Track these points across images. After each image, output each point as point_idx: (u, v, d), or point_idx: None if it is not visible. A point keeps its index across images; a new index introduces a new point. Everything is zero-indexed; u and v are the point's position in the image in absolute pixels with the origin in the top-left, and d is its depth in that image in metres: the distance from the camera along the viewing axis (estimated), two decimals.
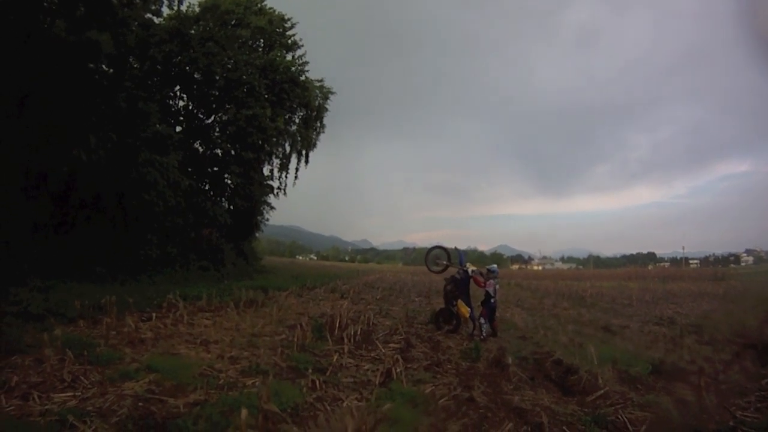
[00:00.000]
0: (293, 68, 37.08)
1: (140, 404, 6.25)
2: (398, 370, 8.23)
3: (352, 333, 11.56)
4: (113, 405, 6.13)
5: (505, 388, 8.12)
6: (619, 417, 6.74)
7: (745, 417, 6.71)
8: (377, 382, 7.82)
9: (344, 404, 6.76)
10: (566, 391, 8.19)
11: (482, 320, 13.22)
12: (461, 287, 13.82)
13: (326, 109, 41.24)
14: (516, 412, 6.92)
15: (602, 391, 7.78)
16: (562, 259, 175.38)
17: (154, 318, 12.11)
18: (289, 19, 38.17)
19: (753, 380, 8.74)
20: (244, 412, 4.87)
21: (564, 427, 6.41)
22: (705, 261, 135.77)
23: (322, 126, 41.69)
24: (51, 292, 14.36)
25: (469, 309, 13.57)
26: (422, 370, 9.20)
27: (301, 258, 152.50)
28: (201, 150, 33.75)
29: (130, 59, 23.32)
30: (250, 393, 6.74)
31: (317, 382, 7.47)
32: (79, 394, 6.50)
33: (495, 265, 14.56)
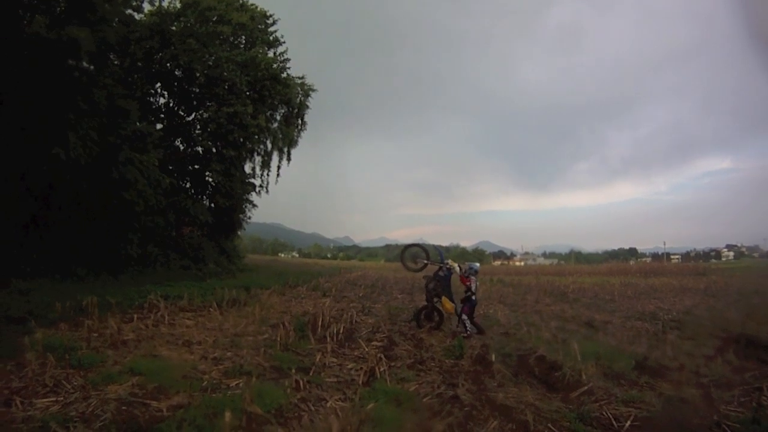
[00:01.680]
0: (275, 65, 36.90)
1: (123, 408, 6.18)
2: (381, 368, 8.24)
3: (335, 332, 11.55)
4: (96, 410, 6.06)
5: (489, 385, 8.12)
6: (604, 413, 6.78)
7: (729, 411, 6.79)
8: (361, 382, 7.81)
9: (328, 404, 6.75)
10: (550, 388, 8.23)
11: (464, 317, 13.24)
12: (444, 284, 13.83)
13: (308, 107, 41.07)
14: (500, 409, 6.91)
15: (586, 387, 7.81)
16: (544, 255, 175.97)
17: (135, 319, 12.01)
18: (270, 16, 38.14)
19: (736, 374, 8.85)
20: (227, 414, 4.87)
21: (549, 424, 6.40)
22: (686, 256, 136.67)
23: (304, 123, 41.57)
24: (32, 293, 14.18)
25: (453, 304, 13.57)
26: (406, 368, 9.18)
27: (283, 255, 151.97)
28: (182, 148, 33.49)
29: (111, 56, 23.08)
30: (234, 395, 6.70)
31: (301, 383, 7.44)
32: (62, 399, 6.42)
33: (477, 263, 14.56)
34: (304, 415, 6.29)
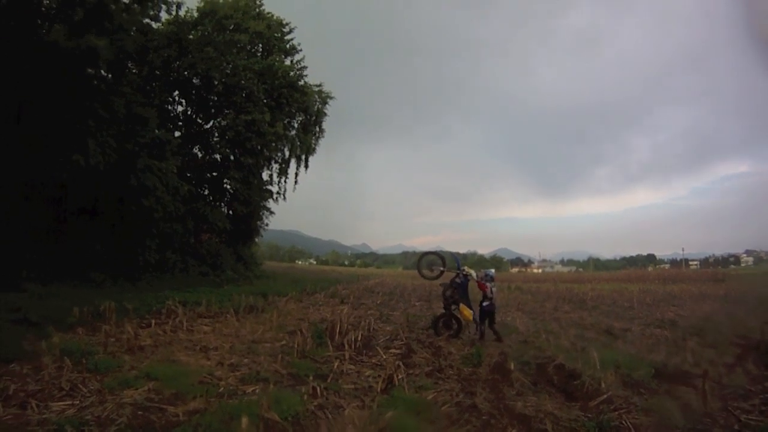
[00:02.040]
0: (292, 73, 37.08)
1: (139, 413, 6.19)
2: (400, 376, 8.16)
3: (353, 339, 11.48)
4: (112, 414, 6.07)
5: (508, 394, 8.04)
6: (623, 422, 6.67)
7: (749, 420, 6.69)
8: (379, 389, 7.73)
9: (346, 412, 6.69)
10: (569, 397, 8.11)
11: (477, 319, 13.20)
12: (461, 291, 13.72)
13: (325, 114, 41.15)
14: (519, 418, 6.83)
15: (605, 396, 7.68)
16: (562, 262, 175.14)
17: (153, 325, 12.07)
18: (287, 24, 38.34)
19: (756, 383, 8.71)
20: (244, 420, 4.83)
21: None
22: (705, 262, 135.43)
23: (321, 131, 41.63)
24: (49, 298, 14.27)
25: (471, 311, 13.44)
26: (424, 376, 9.11)
27: (300, 263, 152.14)
28: (200, 155, 33.63)
29: (129, 64, 23.27)
30: (251, 401, 6.67)
31: (318, 389, 7.41)
32: (78, 402, 6.44)
33: (492, 270, 14.46)
34: (321, 422, 6.23)
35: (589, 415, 7.03)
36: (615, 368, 9.39)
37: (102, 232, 20.30)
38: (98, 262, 19.67)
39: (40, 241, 17.92)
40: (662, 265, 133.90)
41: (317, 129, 41.20)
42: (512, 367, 9.17)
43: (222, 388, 7.34)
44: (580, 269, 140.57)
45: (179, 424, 5.86)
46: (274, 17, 37.49)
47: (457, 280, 13.80)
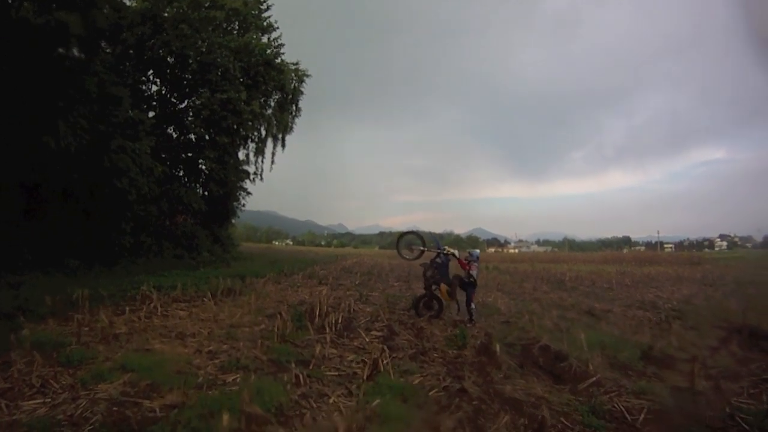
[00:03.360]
0: (269, 51, 36.55)
1: (114, 409, 5.85)
2: (384, 361, 7.94)
3: (333, 321, 11.28)
4: (86, 411, 5.73)
5: (496, 377, 7.89)
6: (616, 405, 6.63)
7: (740, 403, 6.66)
8: (365, 376, 7.51)
9: (331, 400, 6.47)
10: (557, 379, 8.01)
11: (473, 305, 13.04)
12: (442, 271, 13.57)
13: (302, 93, 40.73)
14: (510, 403, 6.70)
15: (594, 379, 7.63)
16: (538, 243, 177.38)
17: (127, 311, 11.65)
18: (264, 1, 37.63)
19: (742, 365, 8.74)
20: (225, 417, 4.57)
21: (561, 419, 6.20)
22: (680, 245, 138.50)
23: (298, 110, 41.28)
24: (22, 287, 13.77)
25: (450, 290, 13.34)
26: (408, 359, 8.92)
27: (277, 243, 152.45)
28: (175, 135, 33.09)
29: (102, 43, 22.68)
30: (231, 391, 6.40)
31: (301, 377, 7.16)
32: (49, 400, 6.08)
33: (477, 250, 14.34)
34: (306, 412, 5.97)
35: (580, 399, 6.94)
36: (601, 350, 9.33)
37: (75, 217, 19.74)
38: (72, 247, 19.17)
39: (10, 228, 17.44)
40: (637, 248, 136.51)
41: (294, 108, 40.87)
42: (498, 349, 9.01)
43: (201, 378, 7.02)
44: (556, 249, 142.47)
45: (157, 420, 5.53)
46: None
47: (438, 260, 13.64)
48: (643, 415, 6.31)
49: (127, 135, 21.36)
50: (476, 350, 9.58)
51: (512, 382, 7.66)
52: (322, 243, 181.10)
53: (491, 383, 7.54)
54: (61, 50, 18.21)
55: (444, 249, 13.86)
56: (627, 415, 6.36)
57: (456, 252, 13.82)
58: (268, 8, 37.87)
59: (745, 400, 6.83)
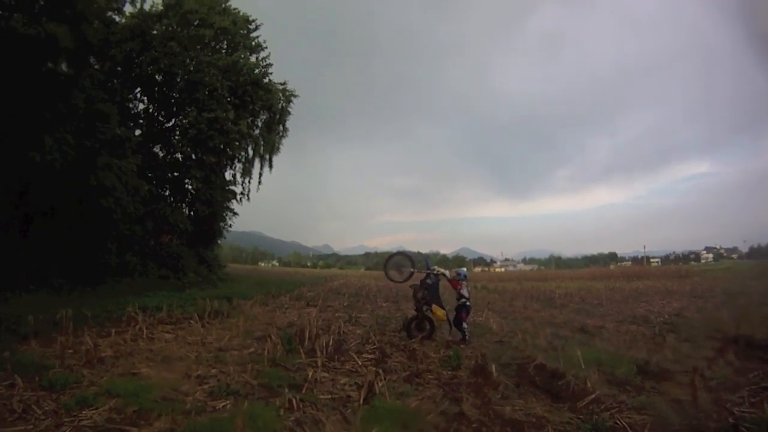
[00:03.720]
0: (257, 70, 36.42)
1: None
2: (380, 383, 7.72)
3: (324, 344, 11.04)
4: None
5: (494, 398, 7.74)
6: (618, 422, 6.50)
7: (743, 413, 6.56)
8: (361, 401, 7.25)
9: (326, 427, 6.23)
10: (555, 398, 7.89)
11: (465, 325, 12.96)
12: (432, 292, 13.38)
13: (289, 113, 40.43)
14: (511, 424, 6.56)
15: (593, 396, 7.51)
16: (524, 261, 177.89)
17: (113, 334, 11.33)
18: (253, 21, 37.59)
19: (741, 375, 8.69)
20: None
21: None
22: (666, 259, 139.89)
23: (285, 130, 40.97)
24: (4, 305, 13.40)
25: (444, 311, 13.17)
26: (402, 381, 8.75)
27: (263, 264, 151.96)
28: (161, 154, 32.77)
29: (90, 59, 22.48)
30: (222, 419, 6.14)
31: (294, 402, 6.91)
32: (31, 426, 5.80)
33: (464, 269, 14.22)
34: None
35: (581, 417, 6.83)
36: (597, 366, 9.22)
37: (60, 235, 19.38)
38: (57, 266, 18.83)
39: None
40: (624, 263, 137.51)
41: (281, 128, 40.57)
42: (494, 369, 8.89)
43: (189, 405, 6.74)
44: (542, 267, 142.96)
45: None
46: (240, 13, 36.71)
47: (428, 281, 13.44)
48: (646, 431, 6.20)
49: (113, 152, 21.15)
50: (471, 371, 9.45)
51: (511, 402, 7.53)
52: (308, 264, 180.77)
53: (489, 404, 7.38)
54: (50, 64, 18.01)
55: (434, 269, 13.69)
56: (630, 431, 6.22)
57: (447, 272, 13.68)
58: (256, 28, 37.77)
59: (747, 409, 6.76)
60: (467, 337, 12.83)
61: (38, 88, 17.38)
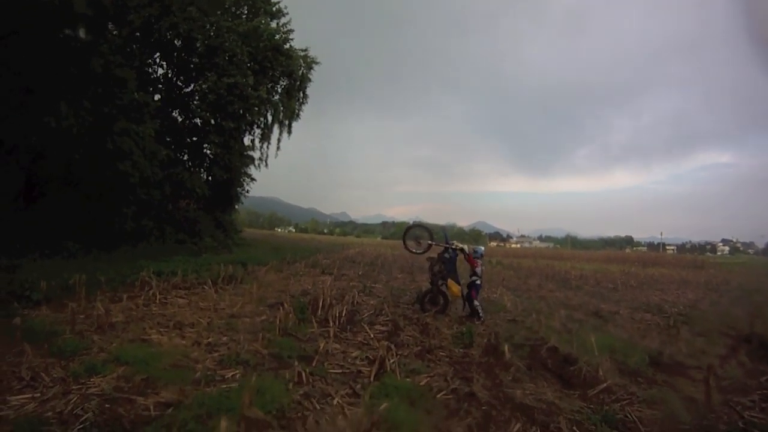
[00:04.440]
0: (277, 36, 36.00)
1: (107, 406, 5.53)
2: (391, 360, 7.68)
3: (337, 314, 11.07)
4: (76, 408, 5.40)
5: (504, 379, 7.65)
6: (628, 415, 6.39)
7: (753, 418, 6.46)
8: (371, 377, 7.21)
9: (335, 402, 6.19)
10: (566, 383, 7.77)
11: (476, 303, 12.82)
12: (450, 266, 13.29)
13: (310, 80, 40.07)
14: (521, 409, 6.46)
15: (605, 385, 7.43)
16: (540, 239, 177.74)
17: (125, 299, 11.31)
18: None
19: (752, 377, 8.55)
20: (223, 424, 4.26)
21: (574, 427, 5.97)
22: (682, 248, 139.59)
23: (305, 96, 40.67)
24: (17, 271, 13.35)
25: (459, 287, 13.11)
26: (414, 357, 8.68)
27: (279, 230, 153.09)
28: (180, 119, 32.84)
29: (108, 25, 22.31)
30: (230, 390, 6.11)
31: (303, 375, 6.87)
32: (39, 395, 5.73)
33: (482, 247, 14.07)
34: (309, 415, 5.69)
35: (592, 406, 6.70)
36: (610, 354, 9.10)
37: (76, 199, 19.45)
38: (72, 231, 18.89)
39: (9, 210, 17.15)
40: (639, 248, 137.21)
41: (301, 94, 40.28)
42: (506, 350, 8.78)
43: (198, 374, 6.71)
44: (558, 246, 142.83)
45: (150, 419, 5.23)
46: None
47: (446, 255, 13.34)
48: (656, 427, 6.10)
49: (131, 117, 21.06)
50: (483, 350, 9.36)
51: (522, 385, 7.42)
52: (325, 231, 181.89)
53: (500, 386, 7.30)
54: (68, 31, 17.88)
55: (453, 243, 13.58)
56: (640, 426, 6.13)
57: (465, 247, 13.55)
58: None
59: (758, 414, 6.64)
60: (481, 315, 12.70)
61: (55, 54, 17.26)
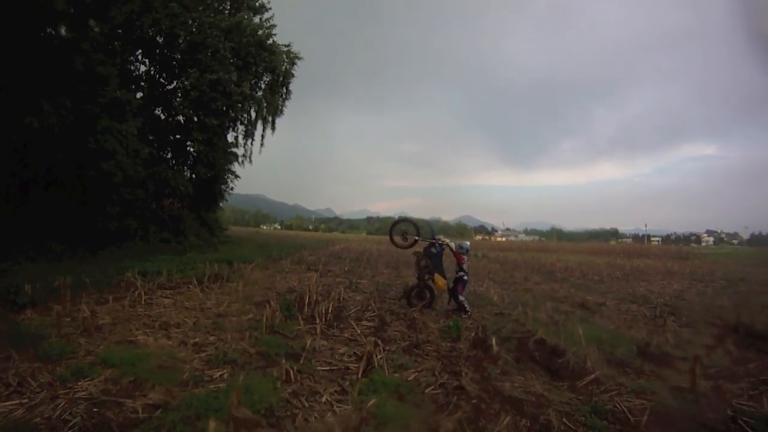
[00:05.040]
0: (260, 32, 35.94)
1: (95, 410, 5.48)
2: (378, 355, 7.70)
3: (323, 311, 11.05)
4: (65, 413, 5.34)
5: (493, 372, 7.70)
6: (617, 406, 6.45)
7: (741, 405, 6.52)
8: (359, 374, 7.21)
9: (323, 399, 6.18)
10: (554, 375, 7.84)
11: (462, 298, 12.87)
12: (436, 261, 13.31)
13: (293, 75, 39.98)
14: (510, 402, 6.50)
15: (593, 376, 7.48)
16: (525, 232, 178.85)
17: (111, 300, 11.20)
18: None
19: (740, 365, 8.64)
20: (212, 426, 4.24)
21: (564, 419, 5.98)
22: (666, 239, 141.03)
23: (288, 92, 40.56)
24: (3, 275, 13.11)
25: (445, 281, 13.15)
26: (401, 352, 8.70)
27: (265, 227, 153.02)
28: (162, 117, 32.57)
29: (90, 21, 22.13)
30: (218, 390, 6.07)
31: (291, 372, 6.86)
32: (26, 400, 5.66)
33: (467, 243, 14.11)
34: (298, 413, 5.68)
35: (581, 398, 6.77)
36: (597, 345, 9.20)
37: (59, 200, 19.24)
38: (56, 232, 18.70)
39: None
40: (625, 239, 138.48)
41: (284, 90, 40.19)
42: (494, 343, 8.83)
43: (186, 374, 6.65)
44: (543, 239, 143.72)
45: (139, 422, 5.19)
46: None
47: (433, 249, 13.37)
48: (646, 417, 6.12)
49: (113, 116, 20.83)
50: (471, 343, 9.44)
51: (510, 378, 7.48)
52: (310, 227, 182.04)
53: (489, 380, 7.34)
54: (49, 29, 17.72)
55: (439, 239, 13.61)
56: (629, 416, 6.17)
57: (452, 244, 13.59)
58: None
59: (746, 402, 6.71)
60: (468, 309, 12.76)
61: (36, 53, 17.07)
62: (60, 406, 5.54)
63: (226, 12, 35.34)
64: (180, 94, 32.11)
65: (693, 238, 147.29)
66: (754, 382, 7.63)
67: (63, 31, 18.44)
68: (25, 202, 18.29)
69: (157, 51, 31.46)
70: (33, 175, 18.41)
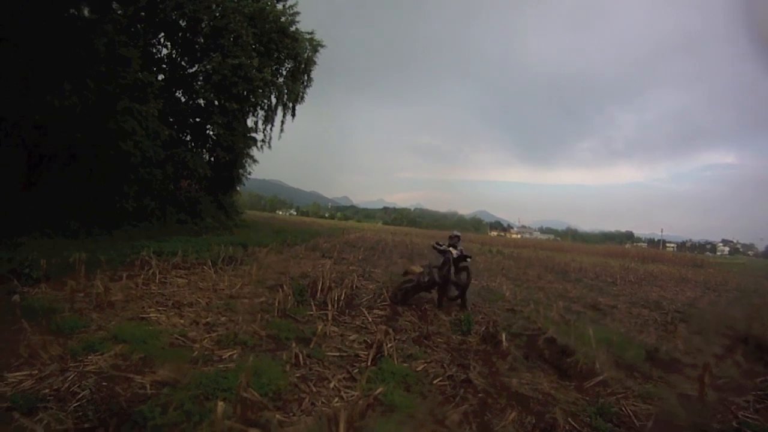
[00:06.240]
0: (283, 18, 35.86)
1: (104, 384, 5.51)
2: (389, 344, 7.69)
3: (336, 297, 11.10)
4: (73, 385, 5.37)
5: (501, 368, 7.68)
6: (623, 409, 6.42)
7: (747, 418, 6.48)
8: (369, 362, 7.25)
9: (331, 385, 6.20)
10: (562, 374, 7.79)
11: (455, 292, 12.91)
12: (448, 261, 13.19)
13: (315, 63, 39.91)
14: (517, 398, 6.50)
15: (601, 378, 7.46)
16: (541, 230, 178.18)
17: (124, 277, 11.19)
18: None
19: (747, 377, 8.56)
20: (220, 405, 4.26)
21: (569, 419, 5.96)
22: (682, 246, 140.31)
23: (310, 80, 40.48)
24: (19, 250, 13.29)
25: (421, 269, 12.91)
26: (411, 342, 8.74)
27: (281, 213, 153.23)
28: (183, 100, 32.65)
29: (113, 4, 22.19)
30: (227, 370, 6.09)
31: (300, 357, 6.91)
32: (36, 372, 5.67)
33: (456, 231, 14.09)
34: (305, 397, 5.71)
35: (587, 398, 6.75)
36: (607, 347, 9.09)
37: (78, 179, 19.36)
38: (73, 210, 18.83)
39: (11, 189, 17.10)
40: (640, 243, 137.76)
41: (306, 77, 40.10)
42: (504, 338, 8.83)
43: (196, 353, 6.70)
44: (558, 238, 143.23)
45: (146, 398, 5.23)
46: None
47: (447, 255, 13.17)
48: (651, 422, 6.11)
49: (134, 97, 20.96)
50: (481, 337, 9.43)
51: (518, 375, 7.47)
52: (326, 215, 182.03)
53: (497, 375, 7.35)
54: (72, 10, 17.80)
55: (449, 250, 13.46)
56: (635, 420, 6.16)
57: (455, 252, 13.37)
58: None
59: (752, 415, 6.66)
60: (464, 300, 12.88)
61: (59, 33, 17.16)
62: (69, 378, 5.57)
63: None
64: (201, 78, 32.18)
65: (708, 246, 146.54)
66: (761, 395, 7.57)
67: (86, 12, 18.53)
68: (43, 179, 18.41)
69: (180, 34, 31.48)
70: (52, 153, 18.52)
